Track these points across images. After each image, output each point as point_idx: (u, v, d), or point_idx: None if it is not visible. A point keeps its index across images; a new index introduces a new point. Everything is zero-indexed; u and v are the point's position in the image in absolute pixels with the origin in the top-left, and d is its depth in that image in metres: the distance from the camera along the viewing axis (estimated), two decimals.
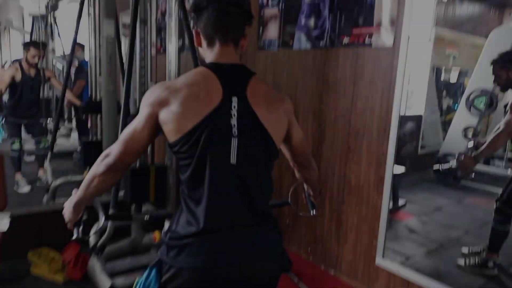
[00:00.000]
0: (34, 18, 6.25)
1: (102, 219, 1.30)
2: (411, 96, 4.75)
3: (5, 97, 4.10)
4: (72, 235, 1.29)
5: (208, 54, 1.23)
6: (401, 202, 3.90)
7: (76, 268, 2.60)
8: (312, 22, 2.75)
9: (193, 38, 1.26)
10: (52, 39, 5.82)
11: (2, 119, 4.11)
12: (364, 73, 2.44)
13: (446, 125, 3.86)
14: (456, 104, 4.22)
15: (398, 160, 4.18)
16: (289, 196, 1.55)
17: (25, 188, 3.88)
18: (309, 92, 2.81)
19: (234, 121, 1.14)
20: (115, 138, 2.45)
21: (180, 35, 2.81)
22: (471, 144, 2.79)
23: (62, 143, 5.64)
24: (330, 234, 2.74)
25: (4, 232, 2.29)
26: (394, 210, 3.80)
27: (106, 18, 3.14)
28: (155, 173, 2.53)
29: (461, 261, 2.50)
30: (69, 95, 4.15)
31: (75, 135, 5.86)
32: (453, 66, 4.39)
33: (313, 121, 2.79)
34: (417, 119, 4.74)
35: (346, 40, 2.53)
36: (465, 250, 2.60)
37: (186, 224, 1.15)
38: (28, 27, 7.03)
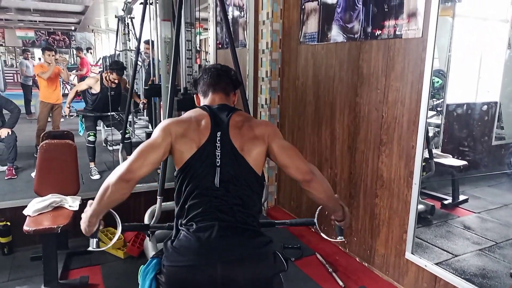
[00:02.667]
0: (119, 20, 6.95)
1: (119, 228, 1.38)
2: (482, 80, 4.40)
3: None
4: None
5: (203, 102, 1.58)
6: (462, 197, 3.70)
7: (134, 246, 2.98)
8: (347, 15, 2.74)
9: (195, 98, 1.63)
10: (129, 39, 6.43)
11: (82, 116, 4.71)
12: (395, 65, 2.39)
13: None
14: None
15: (458, 152, 3.94)
16: (316, 216, 1.49)
17: (96, 176, 4.44)
18: (345, 85, 2.82)
19: (218, 152, 1.40)
20: None
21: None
22: None
23: (139, 134, 6.27)
24: (364, 227, 2.76)
25: (76, 211, 2.70)
26: (453, 206, 3.63)
27: (163, 20, 3.46)
28: None
29: None
30: (137, 100, 4.64)
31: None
32: None
33: (349, 114, 2.80)
34: (490, 106, 4.38)
35: (378, 32, 2.50)
36: None
37: (180, 235, 1.39)
38: (113, 28, 7.87)
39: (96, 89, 4.53)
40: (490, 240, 3.00)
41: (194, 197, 1.39)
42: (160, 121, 4.14)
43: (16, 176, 4.44)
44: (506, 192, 3.88)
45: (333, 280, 2.67)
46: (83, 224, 1.32)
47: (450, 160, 3.79)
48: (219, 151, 1.41)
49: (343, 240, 1.50)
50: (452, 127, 4.16)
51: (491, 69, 4.19)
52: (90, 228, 1.32)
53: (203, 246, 1.32)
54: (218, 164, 1.40)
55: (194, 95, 1.62)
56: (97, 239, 1.36)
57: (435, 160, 3.51)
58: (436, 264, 2.35)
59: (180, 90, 3.04)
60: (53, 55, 5.28)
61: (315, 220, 1.49)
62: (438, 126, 3.90)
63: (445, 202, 3.58)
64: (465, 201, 3.65)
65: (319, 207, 1.50)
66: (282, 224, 1.63)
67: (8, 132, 4.28)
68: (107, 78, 4.48)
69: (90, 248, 1.35)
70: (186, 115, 1.51)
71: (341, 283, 2.60)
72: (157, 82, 4.10)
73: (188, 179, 1.41)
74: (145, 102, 4.88)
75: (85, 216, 1.32)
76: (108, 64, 5.40)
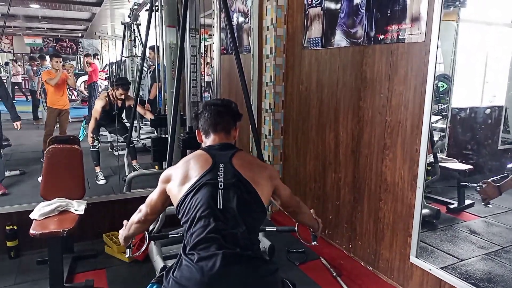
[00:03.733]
0: (126, 26, 7.01)
1: (147, 237, 1.69)
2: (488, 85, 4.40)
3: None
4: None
5: (205, 143, 1.60)
6: (468, 201, 3.69)
7: (139, 250, 2.98)
8: (350, 20, 2.76)
9: (197, 135, 1.66)
10: (135, 45, 6.49)
11: (85, 122, 4.75)
12: (398, 69, 2.40)
13: None
14: None
15: (464, 156, 3.93)
16: (296, 226, 1.75)
17: (102, 181, 4.48)
18: (349, 89, 2.83)
19: (220, 179, 1.42)
20: (178, 135, 2.79)
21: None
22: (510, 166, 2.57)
23: (144, 139, 6.29)
24: (369, 231, 2.75)
25: (82, 215, 2.72)
26: (458, 210, 3.61)
27: (168, 26, 3.49)
28: None
29: None
30: (141, 111, 4.68)
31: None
32: None
33: (352, 118, 2.81)
34: (494, 110, 4.37)
35: (381, 37, 2.51)
36: None
37: (181, 265, 1.37)
38: (120, 34, 7.95)
39: (107, 107, 4.59)
40: (496, 245, 2.98)
41: (198, 220, 1.37)
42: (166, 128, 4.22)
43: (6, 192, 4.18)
44: (511, 196, 3.85)
45: (338, 284, 2.66)
46: (121, 240, 1.67)
47: (455, 164, 3.78)
48: (222, 178, 1.42)
49: (317, 244, 1.78)
50: (457, 132, 4.15)
51: (496, 73, 4.18)
52: (126, 243, 1.67)
53: (205, 276, 1.26)
54: (221, 187, 1.40)
55: (196, 131, 1.65)
56: (130, 249, 1.70)
57: (440, 164, 3.50)
58: (442, 268, 2.34)
59: (185, 121, 3.08)
60: (60, 62, 5.35)
61: (296, 228, 1.75)
62: (443, 130, 3.89)
63: (451, 206, 3.56)
64: (471, 205, 3.63)
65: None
66: (270, 231, 1.83)
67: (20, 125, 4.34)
68: (113, 95, 4.54)
69: (127, 255, 1.72)
70: (184, 158, 1.57)
71: (345, 287, 2.60)
72: (162, 86, 4.12)
73: (188, 208, 1.41)
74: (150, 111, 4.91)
75: (121, 235, 1.65)
76: (114, 77, 5.46)
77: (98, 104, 4.62)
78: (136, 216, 1.62)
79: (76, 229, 2.56)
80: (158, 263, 2.68)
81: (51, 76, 5.28)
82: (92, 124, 4.58)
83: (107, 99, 4.60)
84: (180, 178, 1.47)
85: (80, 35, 12.65)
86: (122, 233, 1.64)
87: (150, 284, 1.47)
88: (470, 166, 3.75)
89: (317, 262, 2.95)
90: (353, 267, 2.85)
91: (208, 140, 1.59)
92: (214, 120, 1.56)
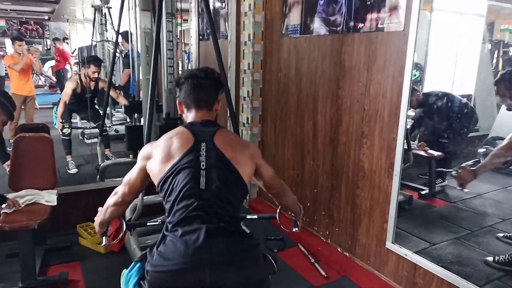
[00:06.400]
0: (96, 9, 6.74)
1: (123, 226, 1.60)
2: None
3: None
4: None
5: (187, 116, 1.58)
6: (438, 188, 3.80)
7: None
8: (330, 8, 2.75)
9: (178, 106, 1.61)
10: (106, 29, 6.26)
11: (56, 109, 4.56)
12: (377, 58, 2.42)
13: None
14: None
15: (434, 143, 4.04)
16: (277, 212, 1.70)
17: (73, 170, 4.34)
18: (327, 78, 2.83)
19: (202, 158, 1.41)
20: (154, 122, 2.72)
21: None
22: (482, 151, 2.67)
23: (118, 127, 6.13)
24: (346, 217, 2.80)
25: (54, 206, 2.63)
26: (430, 196, 3.72)
27: (142, 10, 3.37)
28: None
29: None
30: (114, 95, 4.53)
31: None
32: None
33: (331, 106, 2.83)
34: (464, 98, 4.49)
35: (360, 25, 2.51)
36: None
37: (165, 240, 1.36)
38: (90, 18, 7.65)
39: (78, 90, 4.40)
40: (465, 229, 3.09)
41: (180, 200, 1.36)
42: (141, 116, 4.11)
43: None
44: (481, 182, 3.99)
45: (316, 270, 2.70)
46: (96, 227, 1.59)
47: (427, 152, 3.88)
48: (204, 158, 1.41)
49: (298, 231, 1.73)
50: (428, 120, 4.26)
51: (466, 63, 4.29)
52: (101, 230, 1.59)
53: (189, 249, 1.26)
54: (203, 168, 1.40)
55: (177, 101, 1.60)
56: (107, 236, 1.61)
57: (413, 151, 3.59)
58: (415, 252, 2.41)
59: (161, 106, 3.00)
60: (24, 45, 5.10)
61: (277, 215, 1.70)
62: (413, 118, 3.98)
63: (422, 192, 3.67)
64: (442, 191, 3.75)
65: (279, 207, 1.73)
66: (251, 218, 1.76)
67: None
68: (86, 75, 4.36)
69: (103, 244, 1.62)
70: (166, 135, 1.51)
71: (323, 273, 2.64)
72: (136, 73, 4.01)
73: (170, 189, 1.40)
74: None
75: (96, 221, 1.58)
76: (84, 57, 5.27)
77: (69, 86, 4.42)
78: (112, 199, 1.55)
79: (49, 221, 2.48)
80: (136, 254, 2.63)
81: (15, 61, 5.04)
82: (61, 108, 4.39)
83: (78, 81, 4.41)
84: (161, 156, 1.44)
85: (46, 17, 12.11)
86: (98, 219, 1.57)
87: (134, 262, 1.44)
88: (441, 153, 3.86)
89: (295, 249, 2.99)
90: (331, 253, 2.90)
91: (190, 115, 1.56)
92: (197, 96, 1.52)
